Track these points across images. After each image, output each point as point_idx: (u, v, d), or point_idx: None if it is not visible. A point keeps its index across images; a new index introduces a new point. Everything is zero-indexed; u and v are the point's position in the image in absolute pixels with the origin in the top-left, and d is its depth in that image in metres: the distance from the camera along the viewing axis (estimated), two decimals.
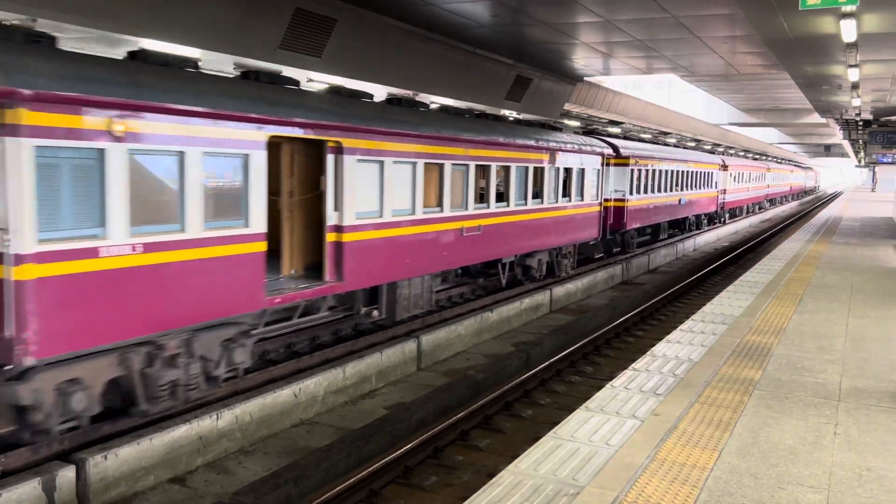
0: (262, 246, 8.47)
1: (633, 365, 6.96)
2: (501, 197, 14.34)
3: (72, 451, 7.00)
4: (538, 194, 15.62)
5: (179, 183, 7.48)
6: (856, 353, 7.61)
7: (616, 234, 21.54)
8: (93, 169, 6.65)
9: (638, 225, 22.83)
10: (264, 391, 8.45)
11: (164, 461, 7.15)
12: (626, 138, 24.69)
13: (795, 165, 73.55)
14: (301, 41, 13.10)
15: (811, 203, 66.29)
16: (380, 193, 10.52)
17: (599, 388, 6.53)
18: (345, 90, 10.70)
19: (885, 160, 38.66)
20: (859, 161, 58.16)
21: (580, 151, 17.73)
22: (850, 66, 14.23)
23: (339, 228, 9.77)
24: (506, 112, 21.43)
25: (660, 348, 7.61)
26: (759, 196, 47.92)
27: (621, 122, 31.66)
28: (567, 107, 25.13)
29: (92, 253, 6.59)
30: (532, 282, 16.33)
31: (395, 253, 10.92)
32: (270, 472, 7.23)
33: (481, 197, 13.53)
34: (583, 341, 12.28)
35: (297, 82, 9.66)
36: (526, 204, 14.97)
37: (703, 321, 8.97)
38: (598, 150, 19.03)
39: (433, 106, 13.82)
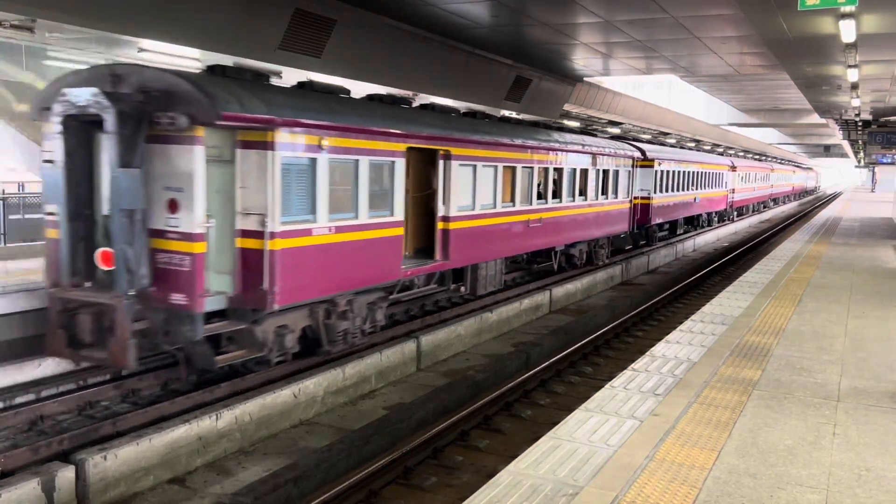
0: (401, 230, 11.11)
1: (632, 365, 6.97)
2: (555, 194, 16.76)
3: (71, 451, 7.00)
4: (583, 192, 18.06)
5: (354, 182, 10.04)
6: (855, 353, 7.62)
7: (642, 228, 23.46)
8: (309, 172, 9.21)
9: (660, 220, 25.12)
10: (264, 391, 8.45)
11: (163, 461, 7.15)
12: (648, 142, 26.55)
13: (796, 166, 75.15)
14: (301, 41, 13.10)
15: (811, 203, 66.27)
16: (473, 191, 13.10)
17: (599, 388, 6.52)
18: (437, 106, 13.03)
19: (884, 160, 38.66)
20: (859, 161, 58.16)
21: (615, 155, 20.10)
22: (850, 66, 14.23)
23: (446, 219, 12.39)
24: (506, 113, 21.40)
25: (659, 349, 7.62)
26: (764, 195, 50.53)
27: (621, 123, 31.63)
28: (567, 107, 25.10)
29: (308, 232, 9.19)
30: (573, 269, 18.97)
31: (482, 239, 13.63)
32: (270, 472, 7.23)
33: (540, 195, 15.87)
34: (582, 342, 12.28)
35: (409, 102, 12.33)
36: (574, 200, 17.54)
37: (703, 321, 8.97)
38: (629, 153, 21.27)
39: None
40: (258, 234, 8.54)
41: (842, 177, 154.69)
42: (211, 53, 12.53)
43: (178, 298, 8.01)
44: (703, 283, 19.85)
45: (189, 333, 8.07)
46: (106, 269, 7.91)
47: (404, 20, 15.12)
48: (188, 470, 7.39)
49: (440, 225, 12.27)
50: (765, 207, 51.86)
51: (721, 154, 42.21)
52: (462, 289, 13.98)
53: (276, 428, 8.47)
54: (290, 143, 8.77)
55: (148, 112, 7.81)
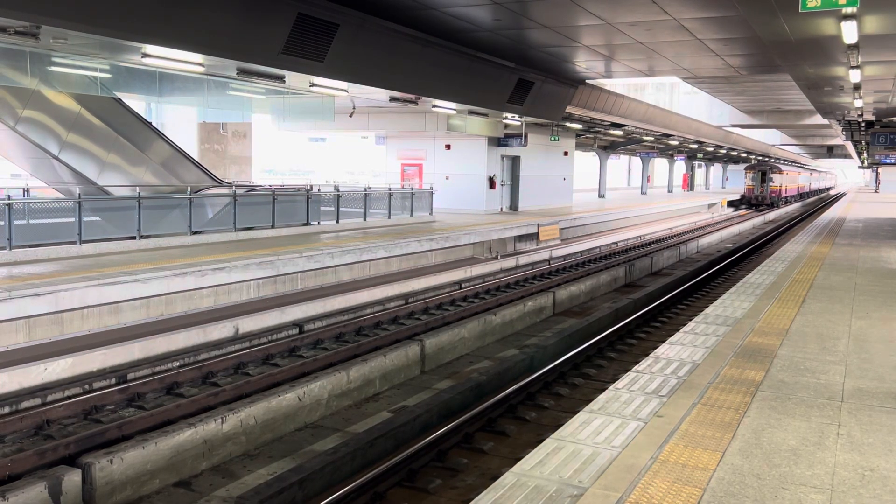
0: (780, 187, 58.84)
1: (636, 367, 6.98)
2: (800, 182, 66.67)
3: (77, 455, 7.03)
4: (797, 182, 65.84)
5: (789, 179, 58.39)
6: (859, 354, 7.62)
7: (774, 198, 51.49)
8: (787, 178, 56.83)
9: (783, 195, 53.73)
10: (269, 395, 8.49)
11: (169, 465, 7.18)
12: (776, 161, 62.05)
13: (825, 171, 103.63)
14: (303, 46, 13.15)
15: (814, 205, 66.39)
16: (784, 181, 56.78)
17: (602, 390, 6.54)
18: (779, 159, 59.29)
19: (887, 161, 38.59)
20: (862, 162, 58.14)
21: (812, 171, 79.52)
22: (852, 67, 14.24)
23: (780, 187, 54.82)
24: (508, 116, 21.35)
25: (662, 350, 7.63)
26: (814, 188, 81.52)
27: (624, 125, 31.57)
28: (569, 109, 25.09)
29: (786, 185, 58.27)
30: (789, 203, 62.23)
31: (791, 191, 60.24)
32: (275, 475, 7.25)
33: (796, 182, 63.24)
34: (586, 344, 12.29)
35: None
36: (798, 183, 69.41)
37: (706, 323, 8.98)
38: (815, 172, 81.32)
39: None
40: (778, 186, 52.66)
41: (845, 177, 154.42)
42: (214, 58, 12.59)
43: (773, 195, 52.52)
44: (705, 285, 19.84)
45: (776, 200, 53.27)
46: (759, 192, 52.71)
47: (406, 24, 15.16)
48: (193, 473, 7.42)
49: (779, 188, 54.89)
50: (813, 195, 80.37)
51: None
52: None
53: (280, 431, 8.50)
54: (783, 173, 56.00)
55: (770, 168, 53.36)
